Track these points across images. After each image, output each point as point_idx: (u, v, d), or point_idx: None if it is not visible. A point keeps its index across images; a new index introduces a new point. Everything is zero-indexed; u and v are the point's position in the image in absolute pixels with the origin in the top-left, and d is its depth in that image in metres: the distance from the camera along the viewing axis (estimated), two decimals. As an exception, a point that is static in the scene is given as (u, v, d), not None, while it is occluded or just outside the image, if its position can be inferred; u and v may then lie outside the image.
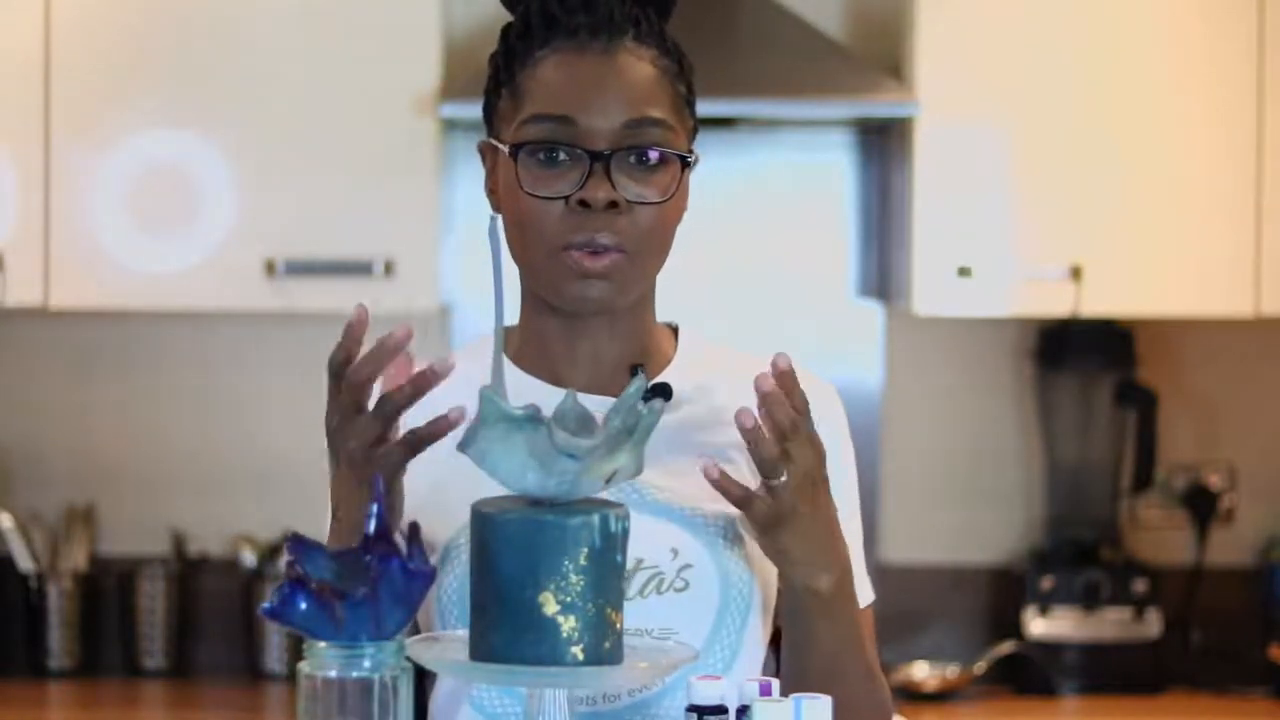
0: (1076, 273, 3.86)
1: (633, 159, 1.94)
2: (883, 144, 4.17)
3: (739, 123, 4.08)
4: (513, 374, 1.95)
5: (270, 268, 3.86)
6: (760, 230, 4.21)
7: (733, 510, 1.95)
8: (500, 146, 1.98)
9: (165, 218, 3.88)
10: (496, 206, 2.01)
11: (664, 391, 1.96)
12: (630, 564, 1.82)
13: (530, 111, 1.96)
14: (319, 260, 3.86)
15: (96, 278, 3.87)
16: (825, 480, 1.87)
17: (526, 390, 1.94)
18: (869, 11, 4.17)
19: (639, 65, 1.97)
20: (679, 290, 4.03)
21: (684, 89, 2.01)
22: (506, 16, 2.04)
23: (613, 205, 1.92)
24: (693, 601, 1.95)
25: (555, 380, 2.00)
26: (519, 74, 1.98)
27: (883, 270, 4.18)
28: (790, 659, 1.95)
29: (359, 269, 3.85)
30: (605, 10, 1.96)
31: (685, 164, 1.97)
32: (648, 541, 1.92)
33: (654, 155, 1.95)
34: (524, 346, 2.03)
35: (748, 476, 1.96)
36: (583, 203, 1.92)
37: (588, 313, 1.98)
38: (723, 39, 3.88)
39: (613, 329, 2.01)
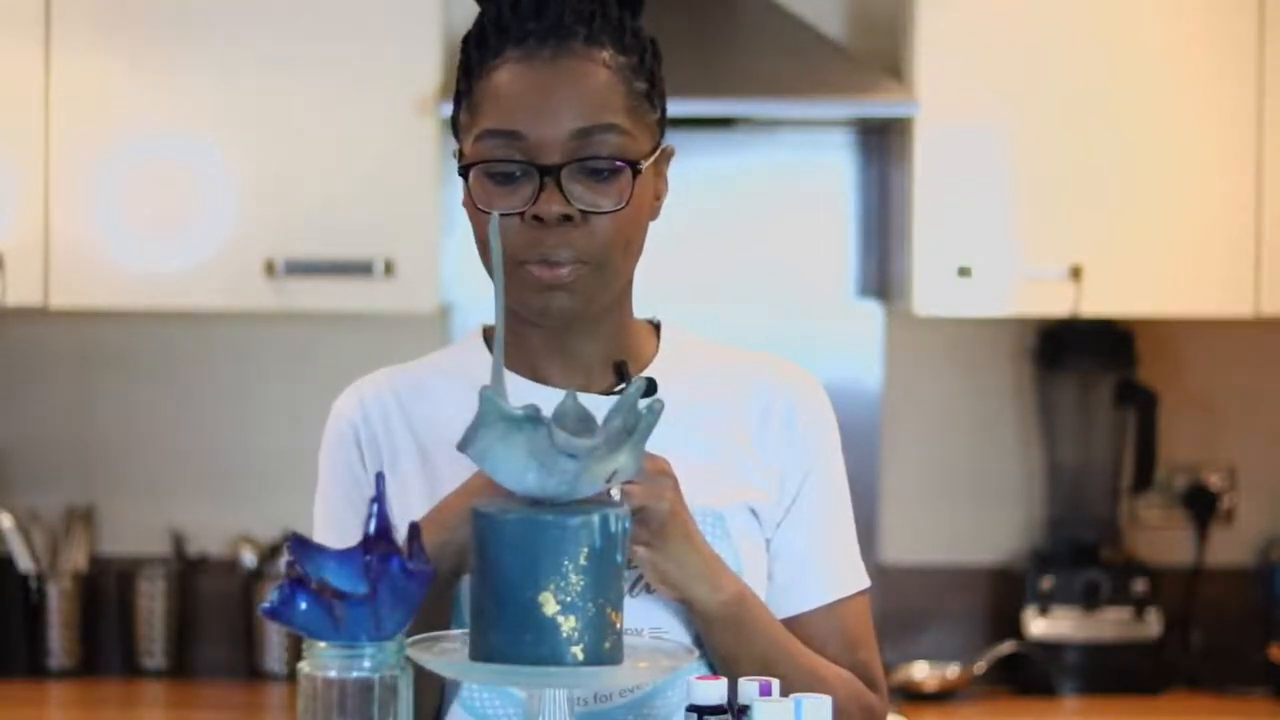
0: (1076, 273, 3.86)
1: (585, 168, 1.89)
2: (882, 144, 4.17)
3: (739, 123, 4.08)
4: None
5: (270, 268, 3.86)
6: (760, 231, 4.20)
7: (720, 505, 1.95)
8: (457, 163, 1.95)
9: (165, 218, 3.88)
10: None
11: (649, 387, 1.94)
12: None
13: (482, 127, 1.91)
14: (319, 260, 3.86)
15: (96, 278, 3.87)
16: (683, 514, 1.85)
17: (508, 386, 1.90)
18: (869, 11, 4.17)
19: (589, 68, 1.90)
20: (678, 290, 4.07)
21: (644, 84, 1.94)
22: None
23: (566, 218, 1.88)
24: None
25: (536, 376, 1.99)
26: (474, 86, 1.93)
27: (883, 270, 4.18)
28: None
29: (359, 269, 3.85)
30: (555, 14, 1.90)
31: (636, 170, 1.90)
32: None
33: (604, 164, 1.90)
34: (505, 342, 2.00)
35: (731, 470, 1.96)
36: (536, 217, 1.88)
37: (554, 325, 1.95)
38: (723, 39, 3.88)
39: (591, 328, 1.98)
